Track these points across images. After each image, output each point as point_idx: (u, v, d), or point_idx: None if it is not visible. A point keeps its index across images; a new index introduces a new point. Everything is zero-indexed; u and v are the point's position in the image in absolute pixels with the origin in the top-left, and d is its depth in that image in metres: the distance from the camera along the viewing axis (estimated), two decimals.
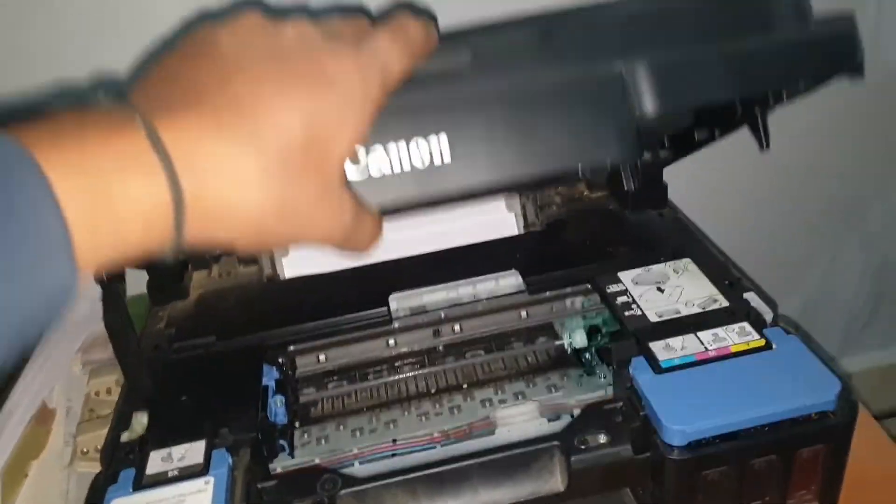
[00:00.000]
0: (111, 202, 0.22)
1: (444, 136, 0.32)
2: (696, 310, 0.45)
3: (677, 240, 0.53)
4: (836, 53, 0.35)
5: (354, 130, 0.28)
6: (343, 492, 0.37)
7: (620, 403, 0.41)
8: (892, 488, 0.45)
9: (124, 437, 0.40)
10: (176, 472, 0.37)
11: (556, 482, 0.39)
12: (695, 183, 0.63)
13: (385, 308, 0.51)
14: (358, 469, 0.42)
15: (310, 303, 0.52)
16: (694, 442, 0.37)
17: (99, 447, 0.42)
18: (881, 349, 0.93)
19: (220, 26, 0.28)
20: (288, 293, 0.54)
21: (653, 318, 0.44)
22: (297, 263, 0.57)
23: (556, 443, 0.39)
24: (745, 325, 0.42)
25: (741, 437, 0.37)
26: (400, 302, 0.51)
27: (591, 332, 0.51)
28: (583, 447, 0.39)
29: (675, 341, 0.42)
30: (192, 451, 0.38)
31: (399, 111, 0.30)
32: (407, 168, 0.32)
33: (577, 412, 0.45)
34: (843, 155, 0.76)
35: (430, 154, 0.32)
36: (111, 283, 0.40)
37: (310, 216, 0.27)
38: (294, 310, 0.51)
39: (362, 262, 0.56)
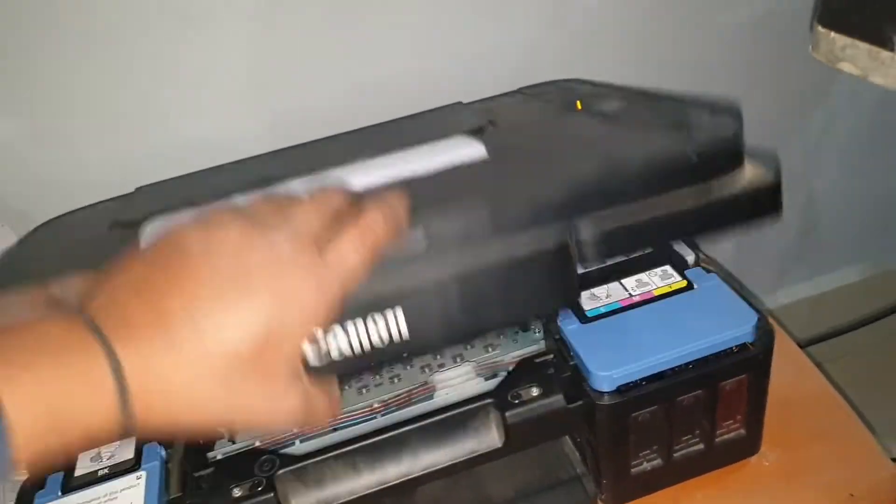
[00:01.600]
0: (61, 416, 0.25)
1: (401, 314, 0.34)
2: (620, 258, 0.45)
3: None
4: (761, 203, 0.38)
5: (305, 334, 0.29)
6: (281, 471, 0.37)
7: (551, 356, 0.42)
8: (815, 406, 0.47)
9: None
10: (106, 471, 0.36)
11: (493, 438, 0.40)
12: None
13: None
14: (298, 447, 0.42)
15: None
16: (622, 386, 0.38)
17: None
18: (809, 280, 0.96)
19: (190, 236, 0.29)
20: None
21: (578, 270, 0.45)
22: None
23: (489, 400, 0.40)
24: (668, 268, 0.43)
25: (667, 377, 0.38)
26: None
27: None
28: (516, 401, 0.40)
29: (600, 290, 0.43)
30: (122, 449, 0.38)
31: (358, 298, 0.31)
32: (366, 346, 0.33)
33: (512, 368, 0.46)
34: (758, 95, 0.77)
35: (389, 332, 0.34)
36: None
37: (258, 412, 0.29)
38: None
39: None
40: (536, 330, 0.48)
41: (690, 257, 0.45)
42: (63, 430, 0.25)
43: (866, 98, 0.82)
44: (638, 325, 0.40)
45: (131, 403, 0.26)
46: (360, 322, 0.33)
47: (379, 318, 0.33)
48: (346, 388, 0.46)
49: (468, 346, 0.48)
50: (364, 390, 0.46)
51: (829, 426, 0.46)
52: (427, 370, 0.47)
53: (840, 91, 0.81)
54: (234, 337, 0.27)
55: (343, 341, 0.33)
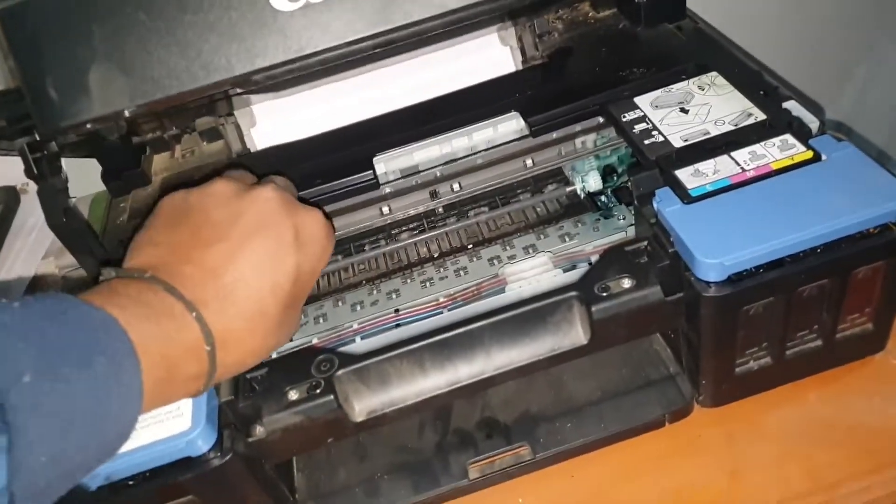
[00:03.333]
0: (173, 362, 0.28)
1: None
2: (729, 127, 0.38)
3: (700, 52, 0.45)
4: None
5: (319, 270, 0.36)
6: (341, 371, 0.34)
7: (645, 243, 0.36)
8: None
9: None
10: None
11: (577, 335, 0.35)
12: None
13: (371, 171, 0.45)
14: (359, 345, 0.38)
15: (287, 174, 0.46)
16: (733, 275, 0.32)
17: None
18: None
19: (197, 195, 0.35)
20: (261, 166, 0.49)
21: (677, 143, 0.38)
22: (268, 133, 0.51)
23: (573, 293, 0.35)
24: (788, 136, 0.36)
25: (788, 264, 0.32)
26: (387, 164, 0.46)
27: (607, 172, 0.45)
28: (604, 294, 0.34)
29: (706, 165, 0.36)
30: None
31: None
32: None
33: (595, 259, 0.40)
34: None
35: None
36: (45, 179, 0.34)
37: (289, 330, 0.35)
38: None
39: (342, 124, 0.50)
40: (621, 216, 0.42)
41: (814, 124, 0.38)
42: (170, 379, 0.28)
43: None
44: (752, 204, 0.33)
45: (216, 349, 0.30)
46: None
47: None
48: (407, 281, 0.42)
49: (541, 237, 0.43)
50: (428, 283, 0.42)
51: None
52: (496, 262, 0.42)
53: None
54: (280, 280, 0.32)
55: None
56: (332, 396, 0.33)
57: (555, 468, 0.37)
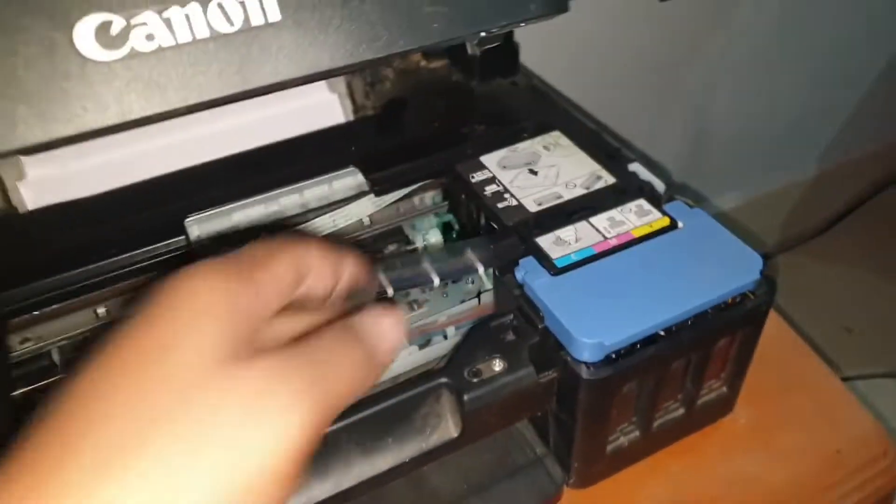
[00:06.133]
0: None
1: None
2: (581, 191, 0.37)
3: (538, 110, 0.44)
4: None
5: None
6: None
7: (511, 317, 0.33)
8: (778, 354, 0.41)
9: None
10: None
11: (447, 429, 0.31)
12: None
13: (183, 237, 0.38)
14: None
15: (72, 241, 0.37)
16: (611, 354, 0.30)
17: None
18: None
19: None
20: (35, 230, 0.39)
21: (532, 207, 0.36)
22: (44, 187, 0.40)
23: (442, 380, 0.30)
24: (642, 202, 0.35)
25: (663, 339, 0.31)
26: (201, 226, 0.38)
27: (446, 229, 0.42)
28: (475, 379, 0.31)
29: (566, 232, 0.34)
30: None
31: None
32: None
33: (451, 330, 0.37)
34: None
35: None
36: None
37: None
38: (49, 255, 0.36)
39: (146, 177, 0.42)
40: (468, 280, 0.39)
41: (660, 187, 0.38)
42: None
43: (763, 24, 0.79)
44: (620, 275, 0.32)
45: None
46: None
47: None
48: None
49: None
50: None
51: (799, 377, 0.41)
52: None
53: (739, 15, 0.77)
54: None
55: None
56: None
57: None
